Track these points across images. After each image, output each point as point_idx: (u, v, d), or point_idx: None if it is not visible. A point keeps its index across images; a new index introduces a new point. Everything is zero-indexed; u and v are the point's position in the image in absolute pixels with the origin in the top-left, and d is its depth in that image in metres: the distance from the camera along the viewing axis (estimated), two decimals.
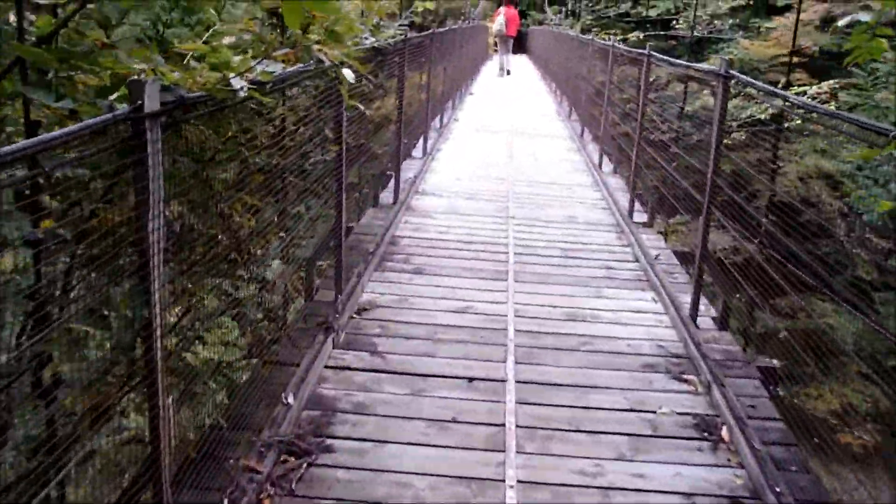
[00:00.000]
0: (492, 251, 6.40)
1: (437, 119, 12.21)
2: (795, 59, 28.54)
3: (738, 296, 5.07)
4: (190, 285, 2.53)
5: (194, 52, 2.84)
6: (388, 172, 8.05)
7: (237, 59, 2.77)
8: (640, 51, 7.61)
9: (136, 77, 2.19)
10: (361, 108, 3.18)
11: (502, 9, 22.56)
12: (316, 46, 2.50)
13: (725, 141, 7.20)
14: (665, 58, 6.87)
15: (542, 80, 23.62)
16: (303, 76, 2.93)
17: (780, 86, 23.80)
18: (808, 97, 22.89)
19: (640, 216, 7.56)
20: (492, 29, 22.76)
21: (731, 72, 4.53)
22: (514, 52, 36.17)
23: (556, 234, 6.99)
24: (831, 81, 24.14)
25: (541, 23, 35.33)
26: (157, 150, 2.15)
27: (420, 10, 6.84)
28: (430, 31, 9.88)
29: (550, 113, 15.89)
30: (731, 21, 30.23)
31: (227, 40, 2.86)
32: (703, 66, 5.22)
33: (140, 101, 2.07)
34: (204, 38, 3.33)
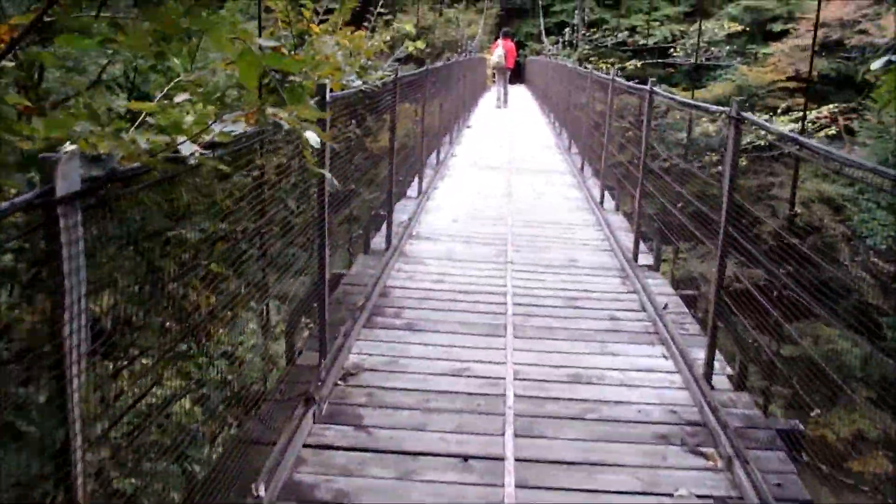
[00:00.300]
0: (489, 301, 6.02)
1: (434, 155, 11.90)
2: (793, 84, 28.43)
3: (753, 343, 4.71)
4: (126, 389, 2.15)
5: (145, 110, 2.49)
6: (383, 212, 7.73)
7: (190, 118, 2.43)
8: (642, 86, 7.28)
9: (64, 148, 1.84)
10: (327, 174, 2.81)
11: (500, 41, 22.41)
12: (271, 111, 2.15)
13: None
14: (670, 95, 6.55)
15: (541, 110, 23.42)
16: (262, 137, 2.58)
17: (779, 111, 23.30)
18: (808, 121, 22.51)
19: (645, 257, 7.20)
20: (490, 61, 22.57)
21: (743, 114, 4.18)
22: (512, 82, 36.09)
23: (557, 281, 6.61)
24: (831, 106, 23.98)
25: (538, 53, 35.28)
26: (74, 238, 1.78)
27: (411, 49, 6.51)
28: (424, 67, 9.58)
29: (550, 145, 15.59)
30: (727, 48, 30.19)
31: (180, 97, 2.51)
32: (713, 107, 4.87)
33: (51, 184, 1.71)
34: (164, 91, 2.99)
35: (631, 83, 8.93)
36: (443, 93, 12.93)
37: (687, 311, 5.95)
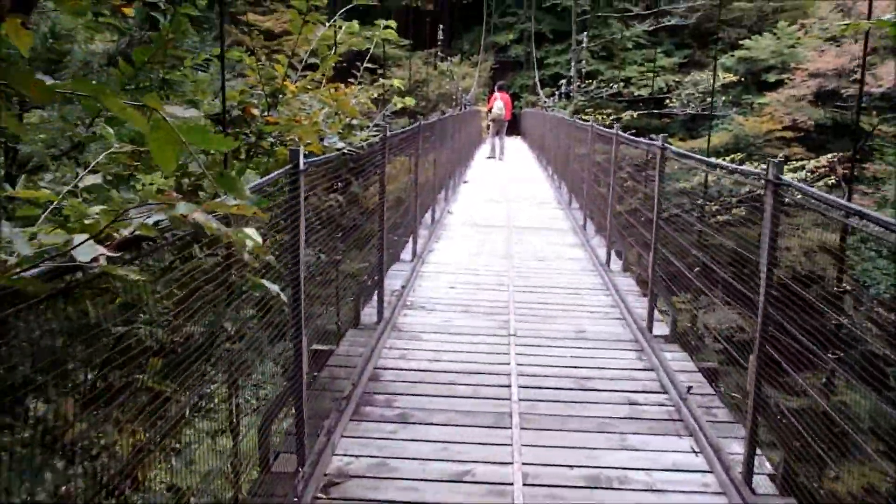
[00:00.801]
0: (492, 384, 5.38)
1: (429, 213, 11.36)
2: (790, 134, 28.06)
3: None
4: None
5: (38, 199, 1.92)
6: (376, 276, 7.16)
7: (97, 210, 1.85)
8: (653, 142, 6.76)
9: None
10: (275, 288, 2.23)
11: (497, 94, 22.12)
12: (182, 211, 1.57)
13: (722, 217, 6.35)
14: (685, 152, 6.01)
15: (538, 163, 23.04)
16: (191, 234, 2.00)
17: (777, 159, 23.13)
18: (806, 171, 22.12)
19: (660, 326, 6.60)
20: (490, 113, 22.24)
21: (783, 178, 3.62)
22: (509, 134, 35.91)
23: (566, 356, 5.99)
24: (829, 155, 23.63)
25: (534, 104, 35.14)
26: None
27: (399, 106, 6.00)
28: (416, 123, 9.09)
29: (549, 200, 15.08)
30: (723, 98, 30.04)
31: (90, 179, 1.94)
32: (745, 168, 4.31)
33: None
34: (90, 167, 2.43)
35: (637, 137, 8.44)
36: (437, 147, 12.46)
37: (713, 391, 5.32)
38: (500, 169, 20.43)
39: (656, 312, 6.69)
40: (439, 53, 32.32)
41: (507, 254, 9.68)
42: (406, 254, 9.01)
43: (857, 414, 3.82)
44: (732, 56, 30.71)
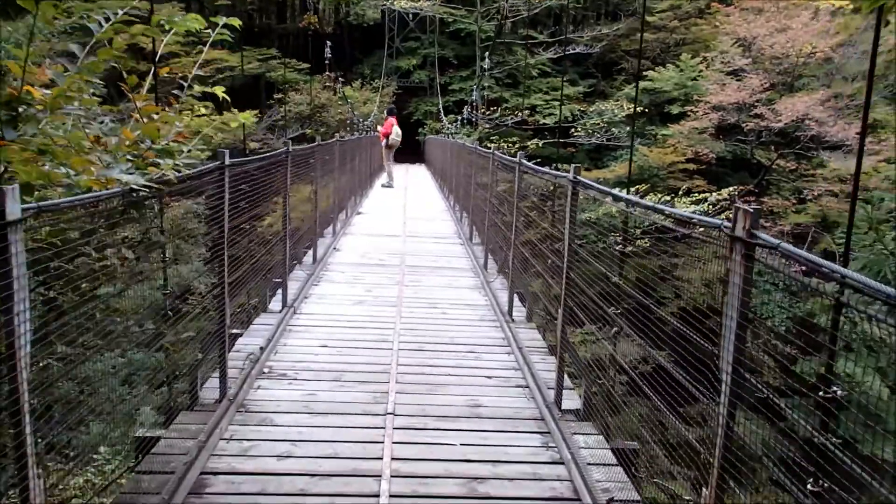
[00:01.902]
0: (357, 493, 4.08)
1: (310, 254, 10.01)
2: (693, 166, 28.13)
3: None
4: None
5: None
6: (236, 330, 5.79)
7: None
8: (563, 174, 5.64)
9: None
10: None
11: (393, 119, 20.93)
12: None
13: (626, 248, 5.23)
14: (600, 187, 4.90)
15: (440, 192, 21.96)
16: None
17: (681, 192, 22.75)
18: (708, 204, 21.94)
19: (570, 397, 5.45)
20: (387, 139, 21.01)
21: (759, 234, 2.49)
22: (412, 161, 34.95)
23: (456, 447, 4.74)
24: (731, 188, 23.60)
25: (437, 132, 34.22)
26: None
27: (235, 125, 4.65)
28: (281, 149, 7.76)
29: (449, 235, 13.93)
30: (627, 129, 29.88)
31: None
32: (703, 217, 3.18)
33: None
34: None
35: (542, 167, 7.39)
36: (322, 176, 11.17)
37: (638, 497, 4.17)
38: (398, 198, 19.21)
39: (566, 379, 5.54)
40: (340, 79, 31.02)
41: (396, 300, 8.42)
42: (276, 303, 7.64)
43: None
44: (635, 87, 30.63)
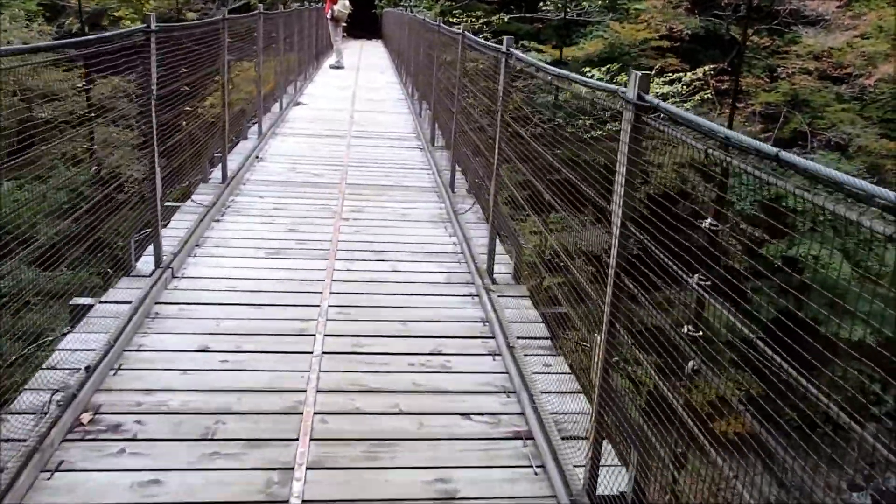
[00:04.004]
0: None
1: (218, 169, 7.44)
2: (666, 44, 25.77)
3: None
4: None
5: None
6: None
7: None
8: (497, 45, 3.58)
9: None
10: None
11: None
12: None
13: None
14: (532, 60, 2.77)
15: (397, 76, 19.01)
16: None
17: (654, 72, 20.49)
18: (682, 84, 19.87)
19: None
20: (332, 12, 17.84)
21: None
22: (368, 37, 31.56)
23: None
24: (707, 67, 21.43)
25: (396, 3, 30.67)
26: None
27: None
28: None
29: (406, 134, 11.24)
30: (598, 2, 26.93)
31: None
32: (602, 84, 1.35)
33: None
34: None
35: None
36: (251, 51, 8.49)
37: None
38: (347, 83, 16.28)
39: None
40: None
41: (329, 245, 5.95)
42: (145, 262, 5.13)
43: None
44: None
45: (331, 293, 5.04)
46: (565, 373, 4.08)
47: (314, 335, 4.41)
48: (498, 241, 5.66)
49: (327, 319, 4.62)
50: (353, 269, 5.56)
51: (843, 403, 1.79)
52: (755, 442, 2.33)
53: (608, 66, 19.83)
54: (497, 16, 27.43)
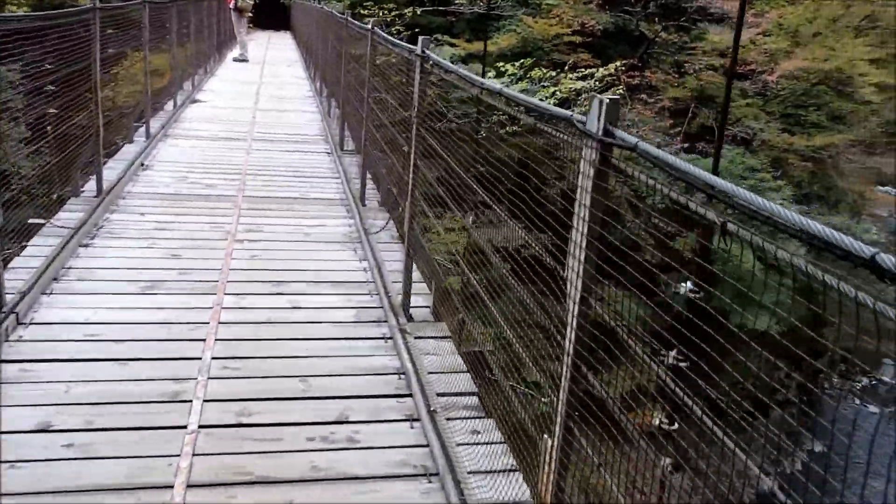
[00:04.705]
0: None
1: (93, 181, 6.46)
2: (578, 39, 25.69)
3: None
4: None
5: None
6: None
7: None
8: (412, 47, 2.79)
9: None
10: None
11: None
12: None
13: None
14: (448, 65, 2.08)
15: (305, 70, 18.00)
16: None
17: (567, 67, 20.21)
18: (595, 80, 19.72)
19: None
20: (237, 2, 16.76)
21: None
22: (277, 28, 30.28)
23: None
24: (618, 63, 21.43)
25: None
26: None
27: None
28: None
29: (313, 135, 10.37)
30: None
31: None
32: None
33: None
34: None
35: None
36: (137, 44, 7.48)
37: None
38: (251, 78, 15.24)
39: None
40: None
41: (218, 277, 5.09)
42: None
43: None
44: None
45: (216, 340, 4.21)
46: (498, 442, 3.39)
47: (191, 401, 3.58)
48: (415, 265, 4.93)
49: (209, 378, 3.80)
50: (246, 305, 4.73)
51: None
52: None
53: (521, 60, 19.45)
54: (409, 8, 26.65)
